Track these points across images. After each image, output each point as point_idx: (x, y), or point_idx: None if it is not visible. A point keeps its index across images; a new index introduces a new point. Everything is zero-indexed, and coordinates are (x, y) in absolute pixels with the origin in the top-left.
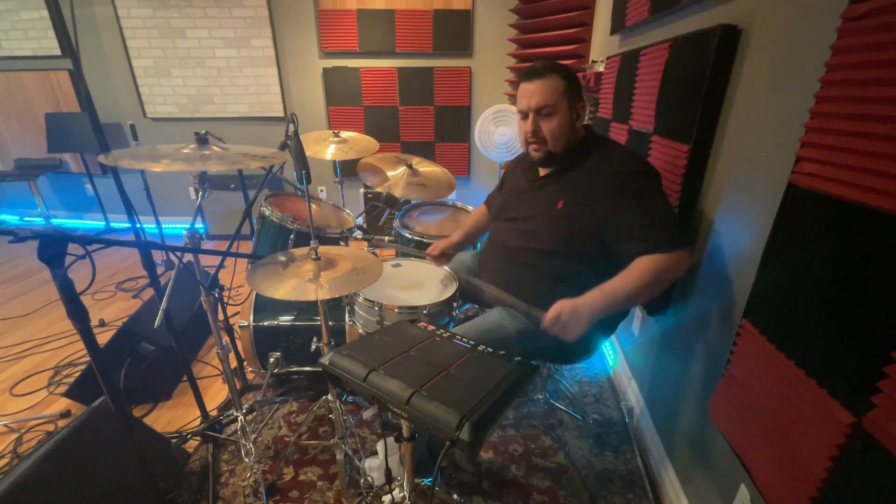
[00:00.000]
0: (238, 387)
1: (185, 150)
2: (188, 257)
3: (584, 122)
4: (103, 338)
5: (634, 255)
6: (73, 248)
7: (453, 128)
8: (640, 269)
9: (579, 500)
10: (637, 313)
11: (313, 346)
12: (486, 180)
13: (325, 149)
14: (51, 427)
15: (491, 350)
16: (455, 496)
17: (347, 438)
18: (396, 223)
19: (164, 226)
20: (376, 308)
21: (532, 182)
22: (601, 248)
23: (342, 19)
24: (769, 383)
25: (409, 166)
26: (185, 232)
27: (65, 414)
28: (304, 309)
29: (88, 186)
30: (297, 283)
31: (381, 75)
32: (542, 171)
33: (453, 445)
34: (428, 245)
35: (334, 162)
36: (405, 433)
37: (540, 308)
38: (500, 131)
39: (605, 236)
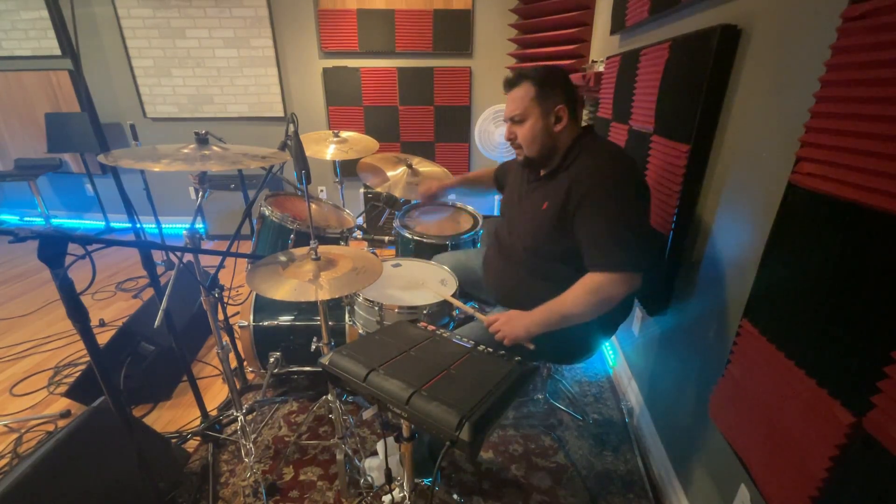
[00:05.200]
0: (238, 387)
1: (185, 150)
2: (188, 257)
3: (569, 125)
4: (103, 338)
5: (586, 264)
6: (73, 248)
7: (453, 128)
8: (581, 288)
9: (579, 500)
10: (637, 313)
11: (313, 346)
12: None
13: (325, 149)
14: (51, 427)
15: (491, 350)
16: (455, 496)
17: (347, 438)
18: (396, 223)
19: (164, 226)
20: (376, 308)
21: (529, 184)
22: (578, 249)
23: (342, 19)
24: (769, 383)
25: (409, 166)
26: (185, 232)
27: (65, 414)
28: (304, 309)
29: (88, 186)
30: (297, 284)
31: (381, 75)
32: (542, 172)
33: (453, 445)
34: (428, 245)
35: (334, 162)
36: (405, 433)
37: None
38: (500, 131)
39: (575, 237)
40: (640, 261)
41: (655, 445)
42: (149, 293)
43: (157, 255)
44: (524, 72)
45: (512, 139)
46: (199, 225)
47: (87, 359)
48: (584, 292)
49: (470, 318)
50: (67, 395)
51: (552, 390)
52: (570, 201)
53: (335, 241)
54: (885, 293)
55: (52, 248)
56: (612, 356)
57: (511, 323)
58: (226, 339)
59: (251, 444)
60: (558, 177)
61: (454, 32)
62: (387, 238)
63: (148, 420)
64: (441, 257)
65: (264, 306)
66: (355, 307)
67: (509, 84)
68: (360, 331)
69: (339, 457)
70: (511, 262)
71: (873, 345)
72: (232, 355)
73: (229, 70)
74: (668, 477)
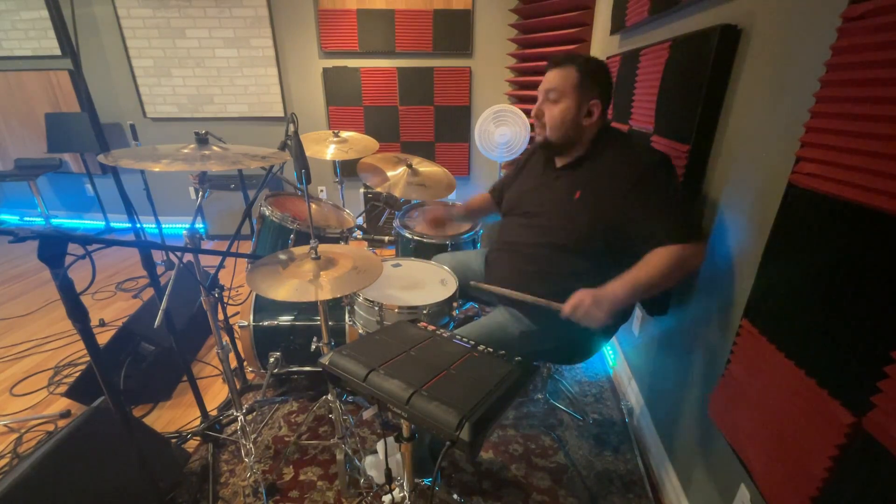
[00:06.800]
0: (238, 387)
1: (185, 150)
2: (188, 257)
3: (597, 121)
4: (103, 338)
5: (652, 247)
6: (73, 248)
7: (453, 128)
8: (659, 258)
9: (579, 500)
10: (637, 313)
11: (313, 346)
12: (486, 180)
13: (325, 149)
14: (51, 427)
15: (491, 350)
16: (455, 496)
17: (347, 438)
18: (396, 223)
19: (164, 226)
20: (376, 308)
21: (548, 175)
22: (614, 244)
23: (342, 19)
24: (769, 383)
25: (409, 166)
26: (185, 232)
27: (65, 414)
28: (304, 309)
29: (88, 186)
30: (297, 284)
31: (381, 75)
32: (560, 163)
33: (453, 445)
34: (428, 245)
35: (334, 162)
36: (405, 433)
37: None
38: (500, 131)
39: (622, 229)
40: (702, 231)
41: (655, 445)
42: (149, 293)
43: (157, 255)
44: (573, 56)
45: (539, 116)
46: (199, 225)
47: (87, 359)
48: (668, 262)
49: (472, 318)
50: (67, 395)
51: (552, 390)
52: (616, 188)
53: (335, 241)
54: (885, 293)
55: (52, 248)
56: (612, 356)
57: (598, 304)
58: (226, 339)
59: (251, 444)
60: (586, 166)
61: (454, 32)
62: (387, 238)
63: (148, 420)
64: (441, 257)
65: (264, 306)
66: (355, 307)
67: (555, 63)
68: (360, 331)
69: (339, 457)
70: (526, 261)
71: (873, 345)
72: (232, 355)
73: (229, 70)
74: (668, 477)
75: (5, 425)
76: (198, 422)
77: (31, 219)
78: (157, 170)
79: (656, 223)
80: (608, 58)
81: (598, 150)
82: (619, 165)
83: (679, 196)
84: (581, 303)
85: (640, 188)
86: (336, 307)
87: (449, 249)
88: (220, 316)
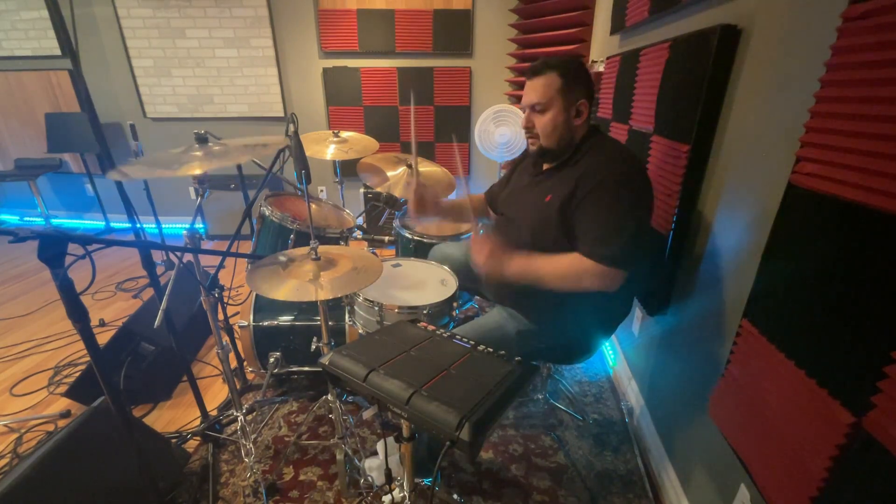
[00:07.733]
0: (238, 387)
1: (196, 154)
2: (188, 257)
3: (586, 120)
4: (103, 338)
5: (577, 247)
6: (73, 248)
7: (453, 128)
8: (564, 260)
9: (579, 500)
10: (637, 313)
11: (313, 346)
12: (486, 180)
13: (325, 149)
14: (51, 427)
15: (491, 350)
16: (455, 496)
17: (347, 438)
18: (396, 223)
19: (164, 226)
20: (376, 308)
21: (533, 177)
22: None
23: (342, 19)
24: (769, 383)
25: (409, 166)
26: (185, 232)
27: (65, 414)
28: (304, 309)
29: (88, 186)
30: (297, 284)
31: (381, 75)
32: (545, 166)
33: (453, 445)
34: (428, 245)
35: (334, 162)
36: (405, 433)
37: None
38: (500, 131)
39: (574, 230)
40: (626, 260)
41: (655, 445)
42: (149, 293)
43: (157, 255)
44: (550, 62)
45: (529, 127)
46: (199, 225)
47: (87, 359)
48: (567, 266)
49: (472, 318)
50: (67, 395)
51: (552, 390)
52: (576, 195)
53: (335, 241)
54: (885, 293)
55: (52, 248)
56: (612, 356)
57: (494, 263)
58: (226, 339)
59: (251, 444)
60: (563, 171)
61: (454, 32)
62: (387, 238)
63: (148, 420)
64: (440, 248)
65: (264, 306)
66: (355, 307)
67: (534, 72)
68: (360, 331)
69: (339, 457)
70: None
71: (873, 345)
72: (232, 355)
73: (229, 70)
74: (668, 477)
75: (5, 425)
76: (198, 422)
77: (31, 219)
78: (166, 175)
79: (587, 232)
80: (608, 58)
81: (579, 154)
82: (587, 172)
83: (619, 217)
84: (484, 251)
85: (591, 197)
86: (336, 307)
87: None
88: (220, 316)
